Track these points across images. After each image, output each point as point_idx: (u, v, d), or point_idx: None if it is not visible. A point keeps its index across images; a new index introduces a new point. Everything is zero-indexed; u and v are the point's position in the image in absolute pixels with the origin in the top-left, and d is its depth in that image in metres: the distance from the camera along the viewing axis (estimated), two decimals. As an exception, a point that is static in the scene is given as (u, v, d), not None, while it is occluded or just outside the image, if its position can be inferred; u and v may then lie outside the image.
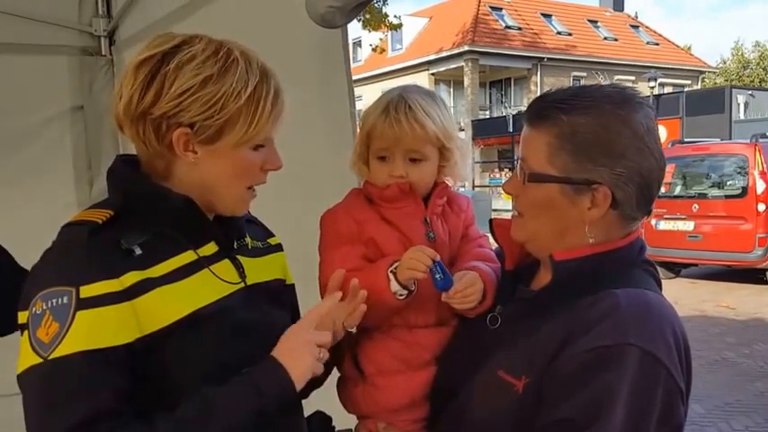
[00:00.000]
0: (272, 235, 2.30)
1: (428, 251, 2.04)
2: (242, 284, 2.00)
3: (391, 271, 2.07)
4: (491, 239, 2.26)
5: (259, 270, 2.10)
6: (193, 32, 1.91)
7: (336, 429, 2.35)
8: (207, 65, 1.81)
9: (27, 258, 1.80)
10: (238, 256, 2.05)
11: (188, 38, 1.87)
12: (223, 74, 1.82)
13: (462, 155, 2.29)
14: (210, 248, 1.97)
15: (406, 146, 2.18)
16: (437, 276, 2.04)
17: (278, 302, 2.15)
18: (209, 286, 1.91)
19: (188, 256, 1.90)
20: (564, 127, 1.88)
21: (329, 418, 2.33)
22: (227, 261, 2.00)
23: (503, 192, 2.12)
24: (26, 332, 1.70)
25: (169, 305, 1.81)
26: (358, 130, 2.30)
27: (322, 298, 2.15)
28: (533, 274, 2.13)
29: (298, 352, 1.88)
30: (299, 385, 1.86)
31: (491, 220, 2.18)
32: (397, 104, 2.17)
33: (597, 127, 1.86)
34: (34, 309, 1.70)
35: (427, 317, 2.18)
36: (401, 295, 2.07)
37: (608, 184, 1.86)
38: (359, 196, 2.30)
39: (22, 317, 1.73)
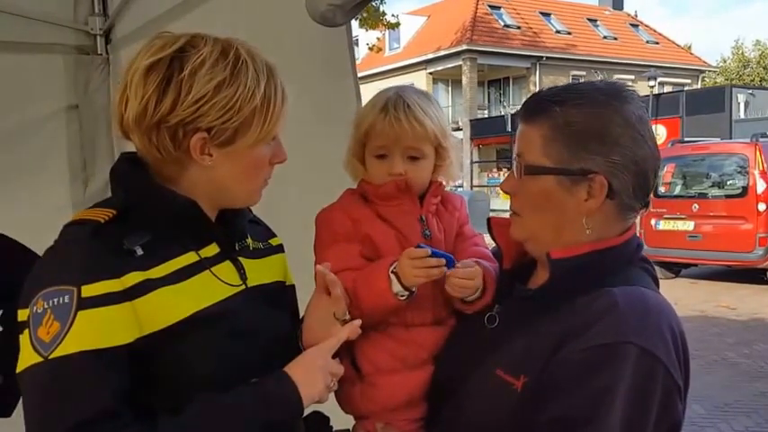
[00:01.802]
0: (273, 235, 2.30)
1: (419, 252, 2.03)
2: (243, 286, 2.00)
3: (392, 271, 2.05)
4: (488, 239, 2.26)
5: (260, 272, 2.10)
6: (190, 32, 1.90)
7: (334, 429, 2.34)
8: (218, 68, 1.81)
9: None
10: (240, 258, 2.04)
11: (191, 38, 1.85)
12: (236, 76, 1.82)
13: (456, 154, 2.32)
14: (212, 250, 1.97)
15: (406, 144, 2.19)
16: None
17: (278, 305, 2.15)
18: (209, 288, 1.91)
19: (189, 257, 1.90)
20: (558, 118, 1.90)
21: (327, 418, 2.31)
22: (228, 262, 2.00)
23: (501, 192, 2.12)
24: (26, 331, 1.69)
25: (170, 306, 1.80)
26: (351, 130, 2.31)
27: None
28: (530, 273, 2.13)
29: (312, 375, 1.89)
30: (305, 406, 1.87)
31: (489, 219, 2.18)
32: (395, 103, 2.18)
33: (590, 116, 1.89)
34: (35, 308, 1.69)
35: (424, 315, 2.17)
36: (402, 296, 2.06)
37: (604, 172, 1.87)
38: (354, 195, 2.30)
39: (23, 315, 1.72)
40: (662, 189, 16.74)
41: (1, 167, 3.72)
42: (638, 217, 2.07)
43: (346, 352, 2.15)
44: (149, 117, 1.80)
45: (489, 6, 49.98)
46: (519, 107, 2.06)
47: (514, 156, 2.03)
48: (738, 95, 32.59)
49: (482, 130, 44.74)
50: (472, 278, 2.07)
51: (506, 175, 2.09)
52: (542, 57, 48.05)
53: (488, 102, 52.13)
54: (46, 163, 3.90)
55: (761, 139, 15.65)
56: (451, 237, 2.30)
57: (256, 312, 2.00)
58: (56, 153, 3.94)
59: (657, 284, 2.03)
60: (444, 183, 2.34)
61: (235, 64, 1.82)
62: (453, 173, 2.33)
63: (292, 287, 2.33)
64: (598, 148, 1.87)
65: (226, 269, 1.98)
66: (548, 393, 1.78)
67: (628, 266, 1.99)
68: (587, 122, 1.88)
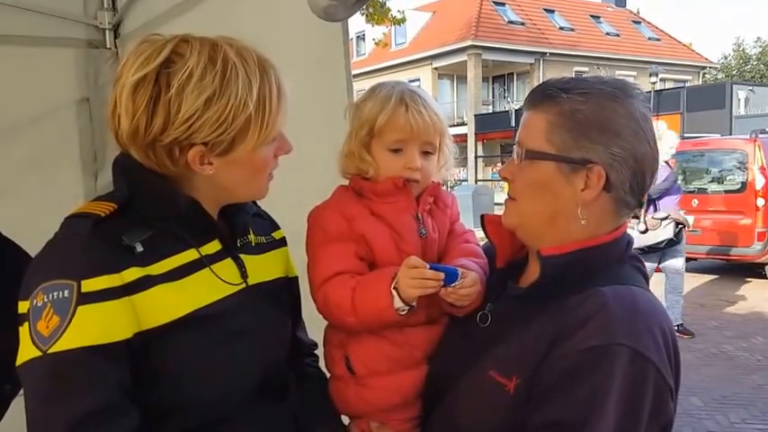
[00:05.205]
0: (277, 228, 2.28)
1: (418, 262, 1.99)
2: (243, 285, 1.98)
3: (394, 287, 2.00)
4: (482, 235, 2.24)
5: (261, 269, 2.08)
6: (194, 27, 1.88)
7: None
8: (206, 81, 1.75)
9: (34, 250, 1.78)
10: (241, 255, 2.02)
11: (177, 45, 1.79)
12: (225, 86, 1.76)
13: (452, 152, 2.32)
14: (213, 247, 1.94)
15: (424, 138, 2.18)
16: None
17: (278, 303, 2.13)
18: (209, 286, 1.89)
19: (190, 255, 1.87)
20: (564, 105, 1.89)
21: (324, 376, 2.32)
22: (229, 260, 1.97)
23: (504, 186, 2.14)
24: (26, 323, 1.67)
25: (168, 304, 1.78)
26: (352, 123, 2.27)
27: (312, 298, 2.16)
28: (523, 271, 2.12)
29: None
30: None
31: (482, 216, 2.17)
32: (412, 97, 2.17)
33: (595, 106, 1.87)
34: (35, 301, 1.66)
35: (417, 315, 2.10)
36: (403, 311, 2.02)
37: (603, 163, 1.86)
38: (347, 192, 2.26)
39: (23, 307, 1.69)
40: (662, 184, 16.71)
41: (14, 159, 3.78)
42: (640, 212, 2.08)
43: (340, 353, 2.19)
44: (142, 136, 1.77)
45: (494, 3, 49.80)
46: (523, 102, 2.06)
47: (516, 142, 2.01)
48: (739, 92, 32.44)
49: (486, 125, 44.70)
50: (475, 283, 2.03)
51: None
52: (546, 53, 47.95)
53: (493, 97, 51.92)
54: (58, 155, 3.97)
55: (760, 136, 15.53)
56: (444, 235, 2.27)
57: (256, 311, 1.99)
58: (67, 145, 4.01)
59: (647, 282, 2.02)
60: (441, 183, 2.32)
61: (223, 72, 1.76)
62: (448, 172, 2.33)
63: (295, 279, 2.29)
64: (600, 138, 1.85)
65: (226, 267, 1.95)
66: (539, 396, 1.77)
67: (618, 264, 1.98)
68: (592, 111, 1.87)
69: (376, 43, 32.63)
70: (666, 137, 10.31)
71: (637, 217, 9.67)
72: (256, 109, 1.80)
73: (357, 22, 34.24)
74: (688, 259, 16.66)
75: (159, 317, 1.76)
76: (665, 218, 9.95)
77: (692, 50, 58.44)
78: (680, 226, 10.08)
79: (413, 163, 2.18)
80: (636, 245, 10.14)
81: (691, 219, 10.59)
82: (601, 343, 1.72)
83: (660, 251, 10.12)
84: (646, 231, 9.89)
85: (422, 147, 2.19)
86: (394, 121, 2.16)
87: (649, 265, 10.06)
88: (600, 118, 1.87)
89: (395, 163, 2.19)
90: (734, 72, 66.50)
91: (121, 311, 1.71)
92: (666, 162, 10.21)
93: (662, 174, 10.00)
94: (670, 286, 10.40)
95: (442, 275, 1.98)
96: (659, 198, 10.13)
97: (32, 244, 1.92)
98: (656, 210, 10.07)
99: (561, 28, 51.10)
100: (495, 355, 1.91)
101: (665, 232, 9.96)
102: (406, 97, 2.17)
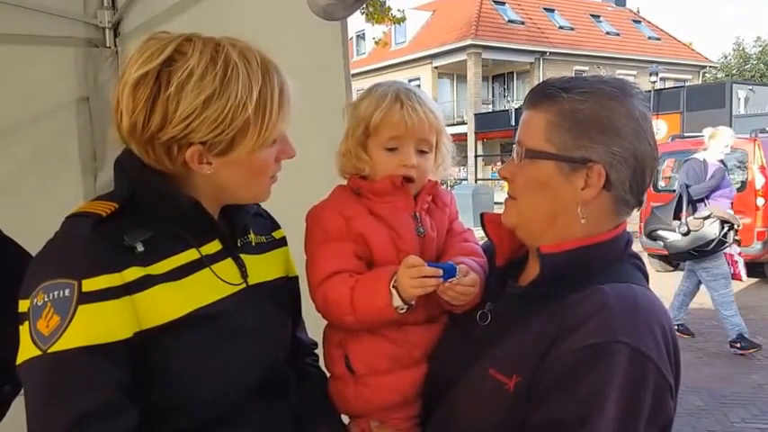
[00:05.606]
0: (278, 227, 2.29)
1: (417, 261, 1.99)
2: (243, 285, 1.99)
3: (393, 286, 2.01)
4: (481, 234, 2.24)
5: (262, 269, 2.09)
6: (193, 25, 1.88)
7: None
8: (206, 81, 1.75)
9: (34, 249, 1.78)
10: (241, 255, 2.02)
11: (180, 44, 1.79)
12: (225, 87, 1.76)
13: (450, 151, 2.32)
14: (214, 247, 1.95)
15: (420, 135, 2.18)
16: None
17: (278, 302, 2.13)
18: (209, 286, 1.89)
19: (190, 255, 1.88)
20: (564, 104, 1.88)
21: (324, 376, 2.33)
22: (229, 260, 1.98)
23: (504, 185, 2.13)
24: (26, 323, 1.67)
25: (169, 303, 1.79)
26: (349, 122, 2.27)
27: (311, 297, 2.17)
28: (523, 269, 2.11)
29: None
30: None
31: (482, 215, 2.16)
32: (407, 95, 2.17)
33: (595, 105, 1.87)
34: (35, 300, 1.67)
35: (417, 314, 2.11)
36: (402, 309, 2.02)
37: (603, 162, 1.86)
38: (345, 191, 2.27)
39: (23, 306, 1.70)
40: (662, 183, 16.64)
41: (14, 158, 3.79)
42: (638, 211, 2.06)
43: (340, 352, 2.19)
44: (140, 133, 1.77)
45: (494, 2, 49.79)
46: (523, 101, 2.05)
47: (515, 141, 2.00)
48: (738, 91, 32.35)
49: (486, 124, 44.70)
50: (471, 290, 2.04)
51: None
52: (546, 52, 47.89)
53: (493, 96, 51.91)
54: (58, 154, 3.97)
55: (760, 135, 15.52)
56: (443, 234, 2.27)
57: (256, 311, 1.99)
58: (67, 144, 4.00)
59: (647, 280, 2.02)
60: (439, 181, 2.32)
61: (224, 73, 1.76)
62: (446, 171, 2.33)
63: (295, 278, 2.30)
64: (600, 137, 1.85)
65: (227, 267, 1.96)
66: (539, 395, 1.76)
67: (618, 262, 1.97)
68: (592, 111, 1.86)
69: (376, 42, 32.65)
70: (721, 134, 9.78)
71: (678, 218, 9.34)
72: (256, 111, 1.80)
73: (357, 21, 34.33)
74: (687, 258, 16.69)
75: (159, 316, 1.76)
76: (708, 216, 9.23)
77: (693, 50, 58.45)
78: (726, 225, 9.26)
79: (408, 160, 2.18)
80: (683, 248, 9.39)
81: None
82: (601, 341, 1.71)
83: (711, 253, 9.43)
84: (688, 233, 9.26)
85: (417, 144, 2.19)
86: (389, 118, 2.16)
87: (718, 263, 9.60)
88: (600, 117, 1.87)
89: (391, 161, 2.19)
90: (734, 71, 66.68)
91: (122, 311, 1.71)
92: (721, 161, 9.77)
93: (709, 171, 9.57)
94: (687, 289, 10.24)
95: (441, 272, 1.97)
96: (708, 197, 9.56)
97: (32, 243, 1.92)
98: (695, 210, 9.46)
99: (561, 27, 51.08)
100: (495, 353, 1.91)
101: (711, 231, 9.20)
102: (402, 95, 2.17)
